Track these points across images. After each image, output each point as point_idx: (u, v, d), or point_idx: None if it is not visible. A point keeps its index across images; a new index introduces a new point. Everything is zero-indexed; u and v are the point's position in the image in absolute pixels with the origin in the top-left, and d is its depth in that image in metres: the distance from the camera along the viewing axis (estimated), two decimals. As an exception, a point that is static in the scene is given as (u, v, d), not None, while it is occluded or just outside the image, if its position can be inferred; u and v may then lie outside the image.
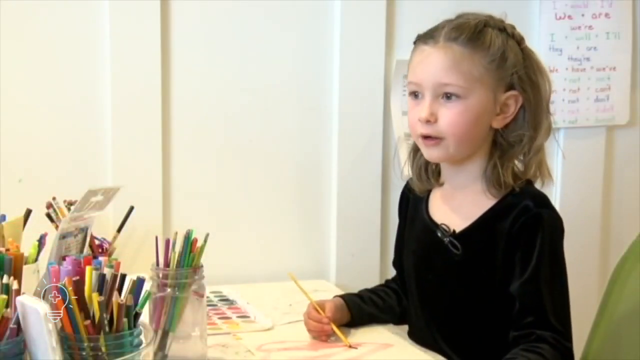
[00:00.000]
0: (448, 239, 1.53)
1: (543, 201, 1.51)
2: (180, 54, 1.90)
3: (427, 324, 1.58)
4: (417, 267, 1.60)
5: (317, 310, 1.55)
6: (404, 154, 2.01)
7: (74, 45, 1.84)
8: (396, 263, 1.73)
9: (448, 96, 1.49)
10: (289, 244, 2.01)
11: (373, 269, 2.02)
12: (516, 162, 1.54)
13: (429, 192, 1.62)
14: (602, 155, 2.18)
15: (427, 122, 1.50)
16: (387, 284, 1.75)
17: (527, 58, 1.52)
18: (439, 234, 1.55)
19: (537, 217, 1.47)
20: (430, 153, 1.53)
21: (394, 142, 2.02)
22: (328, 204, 2.03)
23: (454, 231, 1.53)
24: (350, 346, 1.50)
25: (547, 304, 1.45)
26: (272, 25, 1.95)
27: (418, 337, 1.59)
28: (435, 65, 1.49)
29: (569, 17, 2.10)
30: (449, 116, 1.49)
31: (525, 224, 1.47)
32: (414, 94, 1.53)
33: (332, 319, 1.54)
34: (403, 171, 1.97)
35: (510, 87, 1.50)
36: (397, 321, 1.68)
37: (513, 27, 1.53)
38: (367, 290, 1.71)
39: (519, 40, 1.52)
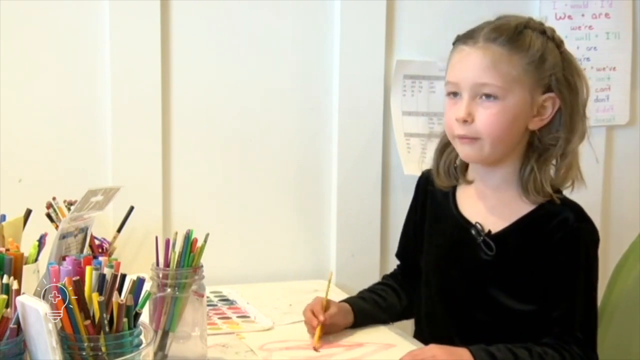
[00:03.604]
0: (482, 238, 1.53)
1: (582, 215, 1.51)
2: (180, 54, 1.90)
3: (444, 319, 1.58)
4: (440, 262, 1.60)
5: (321, 307, 1.54)
6: (403, 151, 2.01)
7: (74, 45, 1.84)
8: (400, 254, 1.74)
9: (486, 96, 1.49)
10: (289, 244, 2.01)
11: (373, 269, 2.02)
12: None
13: (454, 188, 1.61)
14: (602, 155, 2.18)
15: (465, 122, 1.50)
16: (386, 280, 1.75)
17: (565, 61, 1.51)
18: (473, 232, 1.54)
19: (578, 232, 1.48)
20: (466, 152, 1.53)
21: (394, 142, 2.02)
22: (328, 204, 2.03)
23: (489, 231, 1.53)
24: (314, 348, 1.49)
25: (580, 317, 1.46)
26: (272, 25, 1.95)
27: (429, 330, 1.60)
28: (474, 65, 1.49)
29: (569, 17, 2.10)
30: (486, 116, 1.49)
31: (565, 238, 1.48)
32: (453, 94, 1.53)
33: (326, 322, 1.53)
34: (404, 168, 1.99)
35: (548, 89, 1.50)
36: (397, 319, 1.68)
37: (553, 30, 1.53)
38: (367, 290, 1.71)
39: (559, 44, 1.52)
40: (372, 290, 1.71)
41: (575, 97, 1.51)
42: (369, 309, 1.64)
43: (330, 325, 1.55)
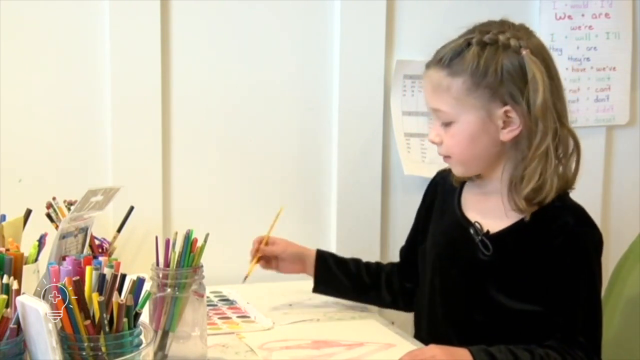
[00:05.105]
0: (480, 238, 1.53)
1: (584, 219, 1.50)
2: (180, 54, 1.90)
3: (444, 318, 1.58)
4: (440, 260, 1.60)
5: (262, 241, 1.71)
6: (403, 151, 2.01)
7: (74, 45, 1.84)
8: (404, 250, 1.74)
9: (442, 119, 1.51)
10: (289, 244, 2.01)
11: (373, 269, 2.02)
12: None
13: (461, 185, 1.61)
14: (602, 155, 2.18)
15: (435, 143, 1.54)
16: (376, 265, 1.78)
17: (522, 67, 1.46)
18: (472, 232, 1.54)
19: (578, 237, 1.47)
20: (452, 169, 1.57)
21: (394, 142, 2.02)
22: (328, 204, 2.03)
23: (487, 231, 1.53)
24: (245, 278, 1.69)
25: (582, 322, 1.45)
26: (272, 25, 1.95)
27: (428, 330, 1.60)
28: (426, 91, 1.54)
29: (569, 17, 2.10)
30: (446, 139, 1.52)
31: (565, 243, 1.46)
32: None
33: (262, 253, 1.70)
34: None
35: (504, 101, 1.47)
36: (367, 299, 1.73)
37: (511, 37, 1.47)
38: (355, 259, 1.76)
39: (517, 49, 1.46)
40: (360, 262, 1.76)
41: (528, 103, 1.45)
42: (333, 266, 1.71)
43: (279, 262, 1.72)
